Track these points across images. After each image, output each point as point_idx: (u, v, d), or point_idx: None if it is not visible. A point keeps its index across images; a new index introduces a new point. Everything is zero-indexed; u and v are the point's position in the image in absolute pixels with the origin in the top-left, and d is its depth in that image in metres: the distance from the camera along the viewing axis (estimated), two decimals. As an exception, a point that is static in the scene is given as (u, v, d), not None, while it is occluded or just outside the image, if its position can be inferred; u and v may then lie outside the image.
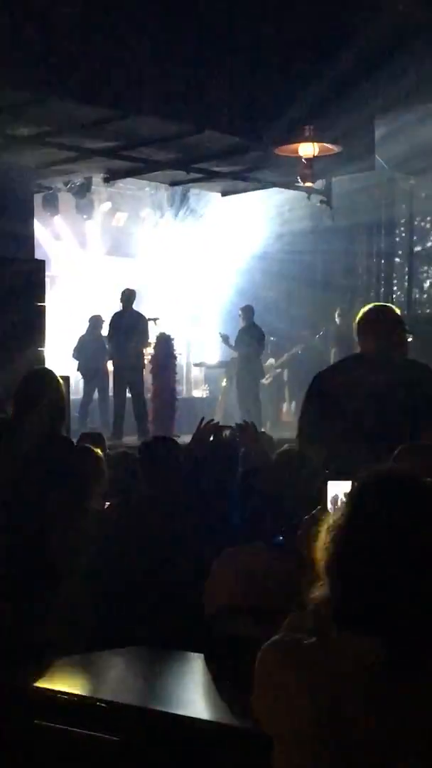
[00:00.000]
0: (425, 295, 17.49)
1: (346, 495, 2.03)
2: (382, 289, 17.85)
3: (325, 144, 10.49)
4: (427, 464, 3.17)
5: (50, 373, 5.19)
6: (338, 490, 2.47)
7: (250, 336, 14.80)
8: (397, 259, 17.73)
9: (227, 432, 5.37)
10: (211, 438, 5.30)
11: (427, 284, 17.47)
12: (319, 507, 2.55)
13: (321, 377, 5.13)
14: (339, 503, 2.42)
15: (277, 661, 1.95)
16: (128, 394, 13.05)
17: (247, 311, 14.92)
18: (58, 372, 12.07)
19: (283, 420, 16.64)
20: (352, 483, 2.04)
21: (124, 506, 4.90)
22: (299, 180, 11.09)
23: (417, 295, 17.56)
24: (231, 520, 4.64)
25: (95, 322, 14.71)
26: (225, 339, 15.06)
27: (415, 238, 17.44)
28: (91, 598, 4.26)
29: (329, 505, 2.52)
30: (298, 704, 1.89)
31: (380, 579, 1.86)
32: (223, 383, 16.12)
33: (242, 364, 14.85)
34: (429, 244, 17.33)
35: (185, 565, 4.20)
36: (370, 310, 5.10)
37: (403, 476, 1.99)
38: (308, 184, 11.23)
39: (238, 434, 5.35)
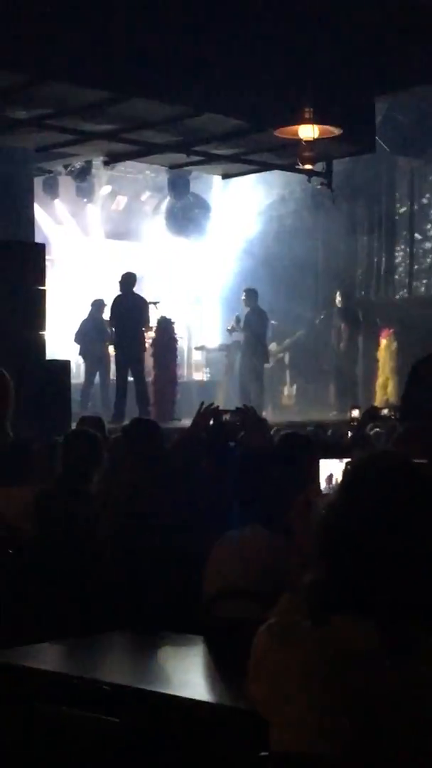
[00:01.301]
0: (427, 277, 17.46)
1: (341, 477, 2.03)
2: (383, 271, 17.83)
3: (325, 126, 10.45)
4: (423, 448, 3.18)
5: None
6: (331, 468, 2.47)
7: (253, 320, 14.80)
8: (398, 241, 17.69)
9: (227, 416, 5.38)
10: (211, 422, 5.30)
11: (427, 266, 17.43)
12: (311, 487, 2.55)
13: (419, 365, 5.38)
14: (333, 482, 2.43)
15: (272, 644, 1.95)
16: (130, 378, 13.05)
17: (251, 294, 14.90)
18: (59, 356, 12.09)
19: (284, 404, 16.66)
20: (346, 465, 2.04)
21: (120, 489, 4.90)
22: (299, 162, 11.04)
23: (417, 279, 17.54)
24: (230, 503, 4.64)
25: (97, 305, 14.70)
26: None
27: (416, 219, 17.40)
28: (89, 581, 4.27)
29: (323, 484, 2.52)
30: (293, 687, 1.89)
31: (372, 562, 1.87)
32: (224, 366, 16.13)
33: (248, 347, 14.85)
34: (429, 226, 17.29)
35: (184, 548, 4.21)
36: None
37: (395, 459, 1.99)
38: (308, 166, 11.18)
39: (238, 418, 5.36)
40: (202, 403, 5.38)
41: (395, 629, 1.85)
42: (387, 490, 1.91)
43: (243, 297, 15.02)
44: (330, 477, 2.51)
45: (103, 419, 7.58)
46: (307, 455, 3.86)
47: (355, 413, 7.92)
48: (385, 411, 5.53)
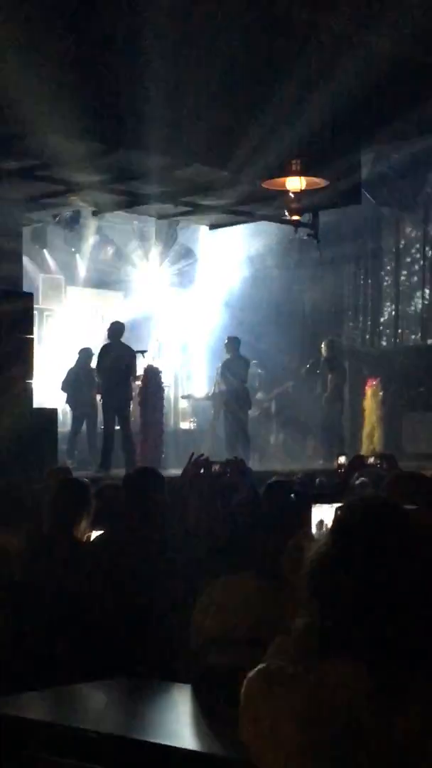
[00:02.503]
0: (412, 327, 17.57)
1: (332, 522, 2.05)
2: (369, 321, 17.95)
3: (312, 178, 10.58)
4: (413, 492, 3.20)
5: None
6: (323, 514, 2.49)
7: (234, 367, 14.85)
8: (384, 291, 17.83)
9: (217, 467, 5.41)
10: (201, 472, 5.33)
11: (413, 316, 17.55)
12: (302, 532, 2.57)
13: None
14: (323, 527, 2.44)
15: (262, 689, 1.95)
16: (116, 427, 13.06)
17: (232, 342, 14.99)
18: (47, 404, 12.09)
19: (271, 452, 16.67)
20: (336, 510, 2.06)
21: (110, 537, 4.91)
22: (286, 213, 11.16)
23: (403, 327, 17.65)
24: (219, 552, 4.64)
25: (84, 354, 14.74)
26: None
27: (401, 270, 17.55)
28: (78, 629, 4.25)
29: (314, 529, 2.54)
30: (285, 732, 1.89)
31: (362, 606, 1.88)
32: (211, 416, 16.15)
33: (229, 396, 14.89)
34: (415, 278, 17.44)
35: (173, 596, 4.20)
36: None
37: (385, 504, 2.01)
38: (295, 217, 11.31)
39: (228, 469, 5.39)
40: (192, 454, 5.41)
41: (386, 673, 1.86)
42: (377, 535, 1.93)
43: (225, 344, 15.09)
44: (321, 523, 2.53)
45: (70, 469, 7.56)
46: (294, 502, 3.88)
47: (342, 460, 7.95)
48: (372, 459, 5.56)
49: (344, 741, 1.85)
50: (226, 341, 15.08)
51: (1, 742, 3.01)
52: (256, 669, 1.99)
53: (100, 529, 5.08)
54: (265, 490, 4.87)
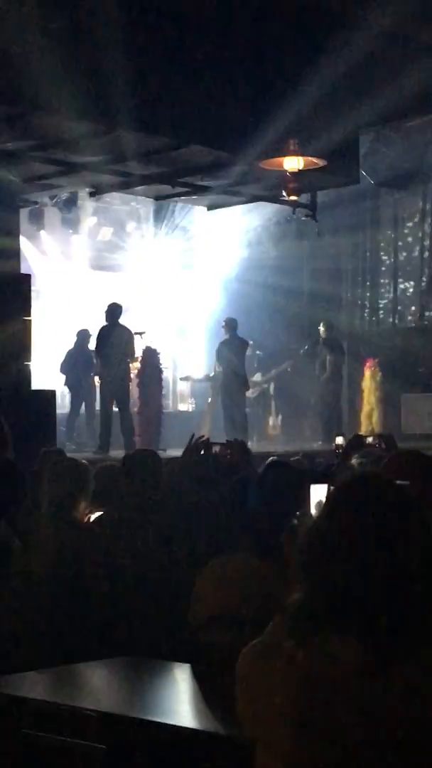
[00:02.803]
0: (410, 308, 17.56)
1: (325, 498, 2.06)
2: (368, 302, 17.93)
3: (310, 158, 10.54)
4: (412, 470, 3.21)
5: None
6: (321, 494, 2.49)
7: (231, 348, 14.84)
8: (382, 272, 17.81)
9: (217, 448, 5.43)
10: (201, 453, 5.34)
11: (411, 296, 17.54)
12: (301, 511, 2.57)
13: None
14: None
15: (255, 663, 1.97)
16: (115, 408, 13.06)
17: (230, 323, 14.97)
18: (45, 386, 12.08)
19: (269, 433, 16.68)
20: (329, 486, 2.08)
21: (110, 518, 4.92)
22: (284, 194, 11.13)
23: (401, 308, 17.64)
24: (217, 532, 4.65)
25: (82, 336, 14.73)
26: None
27: (399, 251, 17.53)
28: (77, 609, 4.27)
29: (312, 509, 2.54)
30: (278, 706, 1.90)
31: (354, 580, 1.89)
32: (209, 397, 16.16)
33: (226, 377, 14.88)
34: (413, 258, 17.42)
35: (172, 576, 4.21)
36: None
37: (376, 478, 2.02)
38: (293, 197, 11.27)
39: (228, 451, 5.40)
40: (192, 435, 5.42)
41: (377, 647, 1.87)
42: (369, 510, 1.94)
43: (223, 326, 15.08)
44: (319, 502, 2.53)
45: (63, 451, 7.57)
46: (293, 481, 3.88)
47: (339, 440, 7.91)
48: (370, 439, 5.54)
49: (335, 715, 1.86)
50: (224, 322, 15.07)
51: (0, 721, 3.03)
52: (250, 644, 2.00)
53: (100, 510, 5.10)
54: (264, 470, 4.88)
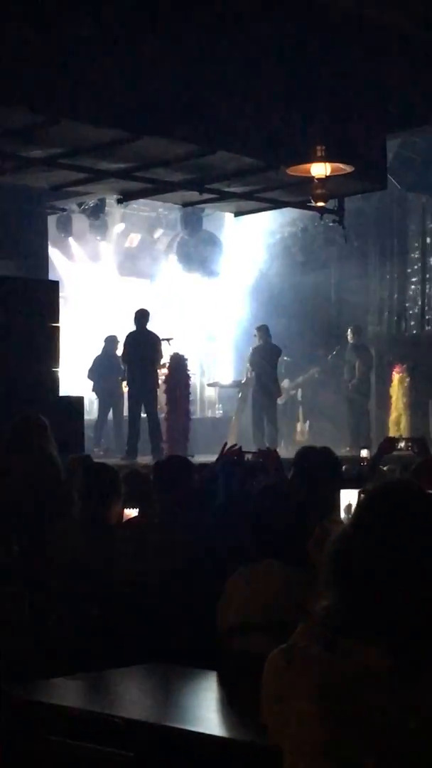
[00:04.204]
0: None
1: (355, 505, 2.06)
2: (396, 308, 17.87)
3: (337, 164, 10.52)
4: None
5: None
6: (350, 498, 2.49)
7: (264, 355, 14.85)
8: (410, 278, 17.75)
9: (249, 456, 5.43)
10: (235, 460, 5.35)
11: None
12: (330, 517, 2.57)
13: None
14: (351, 512, 2.45)
15: (281, 667, 1.97)
16: (143, 414, 13.07)
17: (263, 330, 14.98)
18: (73, 392, 12.12)
19: (297, 440, 16.64)
20: (359, 493, 2.08)
21: (140, 523, 4.93)
22: (312, 200, 11.11)
23: (430, 314, 17.56)
24: (246, 539, 4.65)
25: (110, 342, 14.76)
26: None
27: (428, 255, 17.46)
28: (106, 615, 4.27)
29: (342, 514, 2.54)
30: (305, 711, 1.90)
31: (382, 587, 1.89)
32: (238, 403, 16.14)
33: (259, 383, 14.88)
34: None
35: (200, 583, 4.21)
36: None
37: (408, 487, 2.03)
38: (321, 203, 11.25)
39: (261, 459, 5.41)
40: (225, 444, 5.43)
41: (406, 652, 1.87)
42: (398, 517, 1.95)
43: (255, 333, 15.10)
44: (349, 507, 2.53)
45: (90, 456, 7.59)
46: (322, 487, 3.86)
47: (365, 453, 7.87)
48: (402, 444, 5.51)
49: (363, 723, 1.85)
50: (256, 329, 15.07)
51: (30, 728, 3.03)
52: (278, 648, 2.01)
53: (133, 512, 5.11)
54: (297, 457, 4.86)
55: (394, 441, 5.61)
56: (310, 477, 4.13)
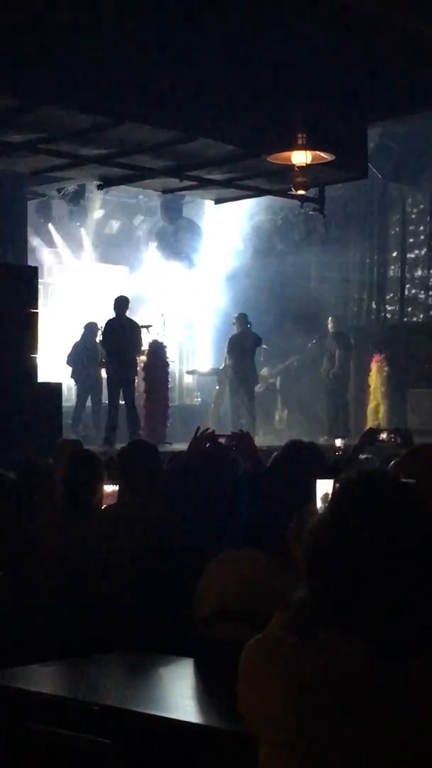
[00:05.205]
0: (418, 303, 17.54)
1: (330, 494, 2.05)
2: (375, 297, 17.91)
3: (318, 152, 10.52)
4: (427, 466, 3.19)
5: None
6: (327, 488, 2.48)
7: (243, 342, 14.85)
8: (389, 267, 17.79)
9: (223, 440, 5.42)
10: (207, 446, 5.33)
11: (419, 292, 17.51)
12: (307, 506, 2.57)
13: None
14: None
15: (259, 658, 1.96)
16: (121, 401, 13.06)
17: (241, 319, 14.98)
18: (51, 379, 12.10)
19: (275, 428, 16.66)
20: (334, 482, 2.07)
21: (114, 510, 4.92)
22: (292, 188, 11.10)
23: (409, 304, 17.62)
24: (223, 525, 4.65)
25: (89, 328, 14.73)
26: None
27: (407, 245, 17.50)
28: (82, 602, 4.27)
29: (319, 504, 2.53)
30: (281, 701, 1.90)
31: (359, 579, 1.88)
32: (216, 390, 16.15)
33: (237, 371, 14.89)
34: (421, 252, 17.39)
35: (176, 569, 4.21)
36: None
37: (383, 476, 2.01)
38: (301, 192, 11.25)
39: (234, 443, 5.39)
40: (198, 428, 5.41)
41: (382, 646, 1.86)
42: (374, 507, 1.93)
43: (233, 321, 15.10)
44: (326, 496, 2.52)
45: (81, 441, 7.59)
46: (299, 476, 3.86)
47: (339, 443, 7.84)
48: (384, 435, 5.49)
49: (339, 712, 1.85)
50: (236, 317, 15.07)
51: (4, 714, 3.02)
52: (253, 639, 2.00)
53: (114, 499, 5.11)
54: (271, 464, 4.86)
55: (376, 432, 5.59)
56: (297, 472, 4.12)
